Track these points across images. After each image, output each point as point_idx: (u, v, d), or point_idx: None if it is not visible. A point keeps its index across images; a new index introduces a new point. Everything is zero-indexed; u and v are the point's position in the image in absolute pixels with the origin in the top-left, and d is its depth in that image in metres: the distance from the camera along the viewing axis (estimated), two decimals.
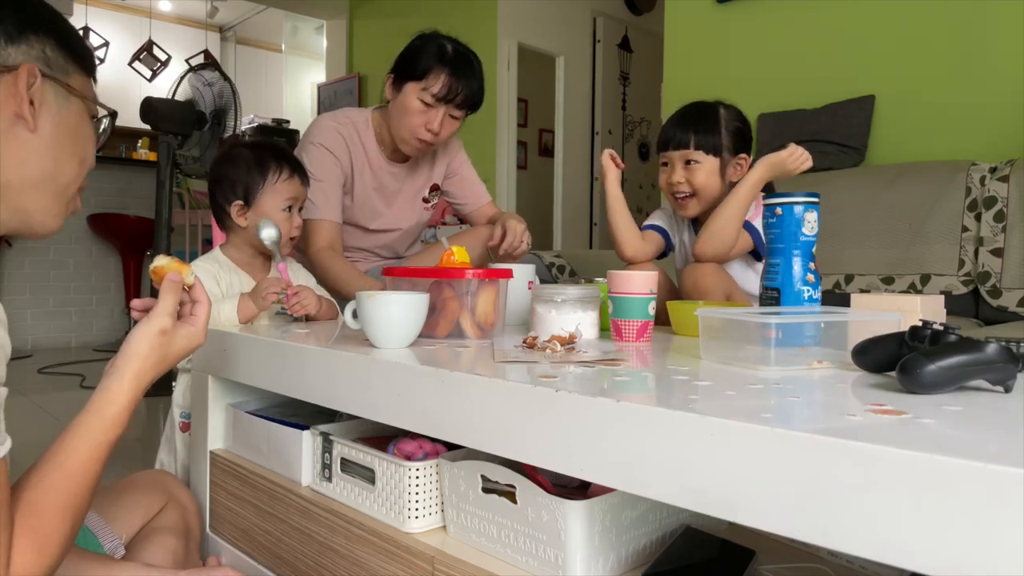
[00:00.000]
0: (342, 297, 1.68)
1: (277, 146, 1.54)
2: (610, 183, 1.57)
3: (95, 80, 0.87)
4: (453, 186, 1.99)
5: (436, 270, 1.16)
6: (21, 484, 0.72)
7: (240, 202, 1.45)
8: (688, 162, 1.51)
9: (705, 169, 1.51)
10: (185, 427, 1.46)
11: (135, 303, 0.94)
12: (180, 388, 1.48)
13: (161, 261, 0.93)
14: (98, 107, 0.84)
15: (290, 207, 1.48)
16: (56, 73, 0.78)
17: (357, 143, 1.80)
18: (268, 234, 1.39)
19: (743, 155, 1.54)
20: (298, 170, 1.50)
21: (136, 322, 0.88)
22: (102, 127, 0.87)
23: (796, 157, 1.43)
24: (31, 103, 0.74)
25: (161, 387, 1.55)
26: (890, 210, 2.37)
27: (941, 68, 2.58)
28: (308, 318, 1.44)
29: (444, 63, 1.68)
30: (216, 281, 1.43)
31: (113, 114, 0.88)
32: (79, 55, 0.81)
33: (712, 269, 1.44)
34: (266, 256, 1.52)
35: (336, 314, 1.51)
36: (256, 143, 1.54)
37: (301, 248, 1.86)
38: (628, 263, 1.58)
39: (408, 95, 1.70)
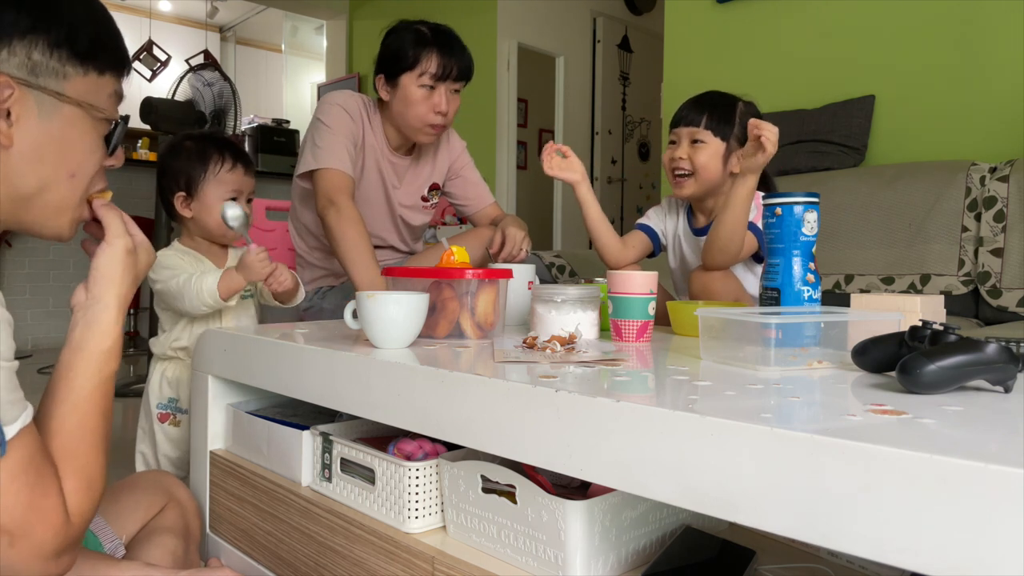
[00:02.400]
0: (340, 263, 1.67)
1: (221, 138, 1.54)
2: (583, 190, 1.51)
3: (125, 74, 0.81)
4: (456, 187, 1.99)
5: (436, 270, 1.16)
6: (43, 432, 0.74)
7: (183, 193, 1.45)
8: (695, 141, 1.51)
9: (709, 150, 1.50)
10: (163, 418, 1.46)
11: (89, 227, 0.90)
12: (155, 379, 1.48)
13: None
14: (98, 110, 0.78)
15: (234, 198, 1.46)
16: (43, 80, 0.71)
17: (368, 121, 1.82)
18: (234, 214, 1.37)
19: None
20: (242, 160, 1.49)
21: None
22: (115, 131, 0.81)
23: (761, 142, 1.27)
24: (8, 115, 0.69)
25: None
26: (890, 210, 2.37)
27: (941, 68, 2.58)
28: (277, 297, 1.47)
29: (430, 44, 1.70)
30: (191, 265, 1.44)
31: (121, 120, 0.82)
32: (87, 54, 0.74)
33: (723, 274, 1.43)
34: (220, 244, 1.52)
35: (296, 287, 1.51)
36: (201, 135, 1.53)
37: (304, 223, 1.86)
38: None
39: (407, 87, 1.72)
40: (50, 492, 0.69)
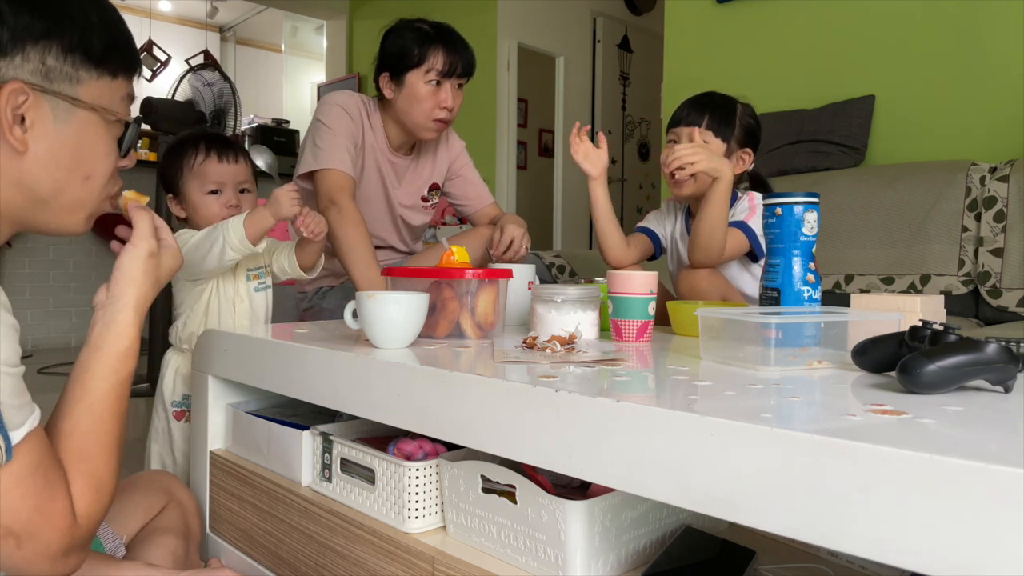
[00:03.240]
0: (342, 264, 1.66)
1: (204, 132, 1.48)
2: (595, 186, 1.51)
3: (137, 75, 0.81)
4: (455, 187, 2.00)
5: (436, 270, 1.16)
6: (54, 434, 0.75)
7: (170, 195, 1.42)
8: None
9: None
10: (179, 415, 1.46)
11: (121, 230, 0.92)
12: (169, 375, 1.47)
13: (120, 203, 0.92)
14: (112, 113, 0.77)
15: (216, 191, 1.40)
16: (58, 85, 0.71)
17: (367, 121, 1.83)
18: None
19: (748, 149, 1.54)
20: (216, 148, 1.40)
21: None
22: (127, 132, 0.80)
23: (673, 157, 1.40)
24: (22, 121, 0.69)
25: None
26: (890, 210, 2.37)
27: (941, 68, 2.58)
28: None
29: (435, 42, 1.72)
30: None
31: (130, 122, 0.81)
32: (101, 58, 0.74)
33: (708, 272, 1.44)
34: None
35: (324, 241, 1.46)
36: (186, 133, 1.49)
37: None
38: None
39: (413, 84, 1.73)
40: (57, 495, 0.69)
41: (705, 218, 1.41)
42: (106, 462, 0.76)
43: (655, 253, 1.69)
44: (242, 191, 1.45)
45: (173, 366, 1.48)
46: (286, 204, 1.31)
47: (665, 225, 1.69)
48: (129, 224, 0.87)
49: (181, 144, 1.43)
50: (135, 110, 0.84)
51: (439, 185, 1.97)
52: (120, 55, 0.77)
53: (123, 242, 0.93)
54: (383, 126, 1.84)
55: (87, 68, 0.74)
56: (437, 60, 1.72)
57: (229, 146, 1.44)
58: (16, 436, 0.65)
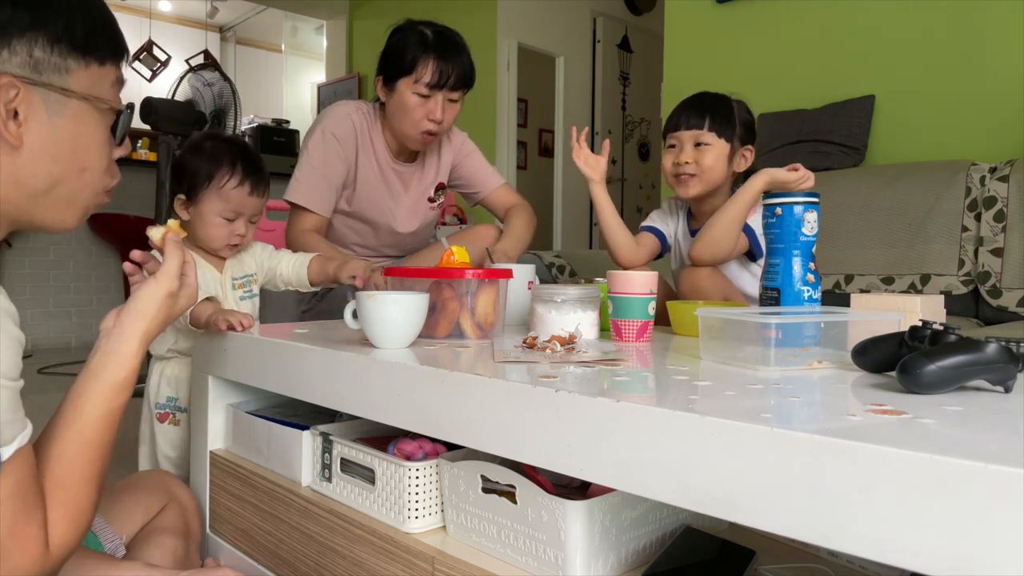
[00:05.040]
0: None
1: (244, 147, 1.40)
2: (597, 189, 1.52)
3: (125, 61, 0.80)
4: (463, 177, 1.98)
5: (436, 270, 1.16)
6: (43, 456, 0.73)
7: (183, 196, 1.37)
8: (698, 144, 1.51)
9: (715, 152, 1.50)
10: (163, 417, 1.45)
11: (134, 254, 0.94)
12: (154, 379, 1.46)
13: (157, 233, 0.93)
14: (104, 102, 0.76)
15: (232, 219, 1.36)
16: (48, 77, 0.70)
17: (367, 135, 1.80)
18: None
19: (749, 146, 1.55)
20: (251, 178, 1.36)
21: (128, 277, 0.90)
22: (119, 120, 0.79)
23: (800, 180, 1.40)
24: (15, 116, 0.69)
25: None
26: (890, 210, 2.37)
27: (941, 68, 2.58)
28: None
29: (429, 50, 1.65)
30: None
31: (121, 111, 0.80)
32: (86, 46, 0.73)
33: (710, 272, 1.44)
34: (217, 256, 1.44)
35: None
36: (226, 138, 1.43)
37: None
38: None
39: (402, 92, 1.68)
40: (33, 521, 0.68)
41: (725, 213, 1.40)
42: (87, 492, 0.75)
43: (661, 251, 1.70)
44: (251, 221, 1.41)
45: (158, 369, 1.47)
46: (220, 325, 1.20)
47: (668, 224, 1.69)
48: (139, 244, 0.87)
49: (216, 152, 1.36)
50: (134, 107, 0.83)
51: (445, 184, 1.97)
52: (105, 40, 0.76)
53: (136, 264, 0.94)
54: (383, 135, 1.82)
55: (74, 57, 0.72)
56: (426, 71, 1.65)
57: (263, 179, 1.40)
58: (5, 453, 0.64)
